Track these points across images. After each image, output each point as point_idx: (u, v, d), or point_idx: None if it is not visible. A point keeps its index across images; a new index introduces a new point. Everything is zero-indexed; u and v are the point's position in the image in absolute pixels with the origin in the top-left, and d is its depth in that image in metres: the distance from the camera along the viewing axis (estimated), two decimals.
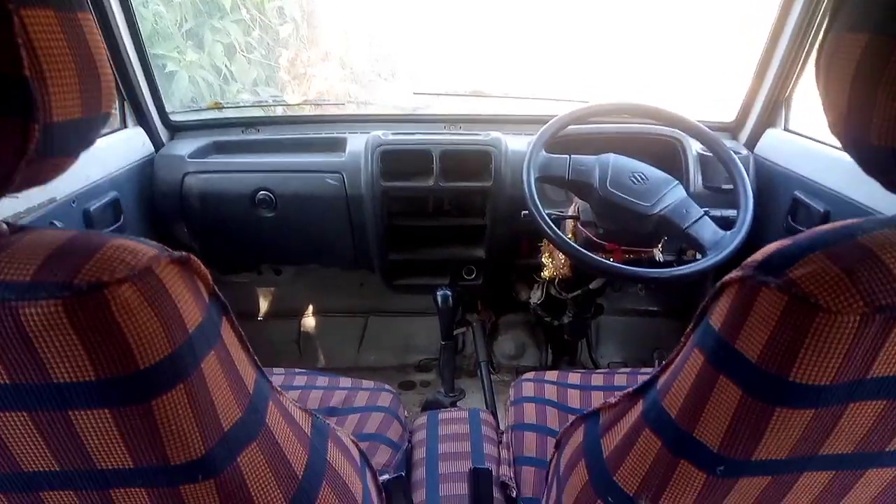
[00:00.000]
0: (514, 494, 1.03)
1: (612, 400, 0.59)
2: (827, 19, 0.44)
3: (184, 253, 0.43)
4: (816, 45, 0.47)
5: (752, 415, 0.43)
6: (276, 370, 1.32)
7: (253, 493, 0.46)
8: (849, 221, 0.44)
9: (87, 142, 0.45)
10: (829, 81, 0.43)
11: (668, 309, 2.08)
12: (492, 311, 2.01)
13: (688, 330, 0.51)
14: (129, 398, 0.39)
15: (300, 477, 0.50)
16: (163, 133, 1.70)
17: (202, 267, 0.45)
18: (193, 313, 0.42)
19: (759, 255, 0.44)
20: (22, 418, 0.40)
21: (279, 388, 0.55)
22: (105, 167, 1.43)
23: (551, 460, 0.71)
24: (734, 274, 0.44)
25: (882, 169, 0.43)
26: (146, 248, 0.40)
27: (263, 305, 2.12)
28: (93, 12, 0.44)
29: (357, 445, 0.69)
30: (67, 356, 0.37)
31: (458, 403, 1.78)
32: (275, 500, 0.48)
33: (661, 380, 0.53)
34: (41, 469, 0.43)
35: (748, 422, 0.43)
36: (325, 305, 2.14)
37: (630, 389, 0.57)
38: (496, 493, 1.03)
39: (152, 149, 1.64)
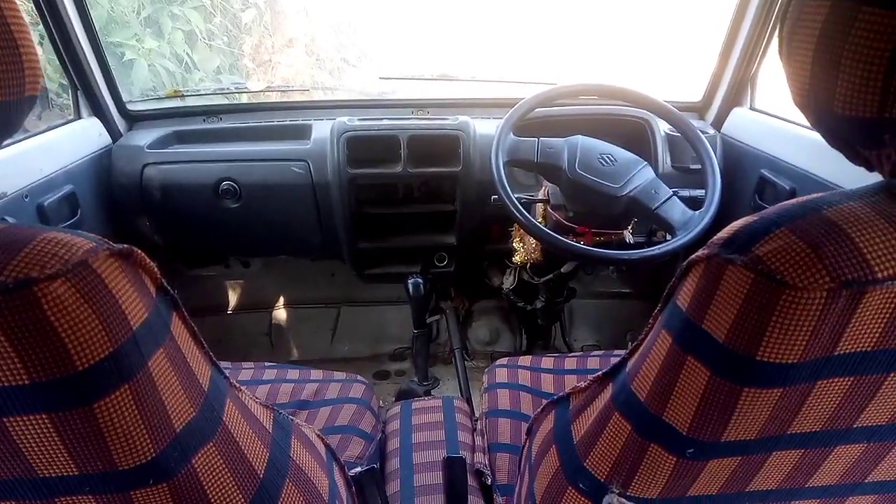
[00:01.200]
0: (488, 481, 1.02)
1: (582, 384, 0.58)
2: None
3: (125, 246, 0.40)
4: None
5: (721, 395, 0.42)
6: (245, 365, 1.29)
7: (210, 496, 0.44)
8: (815, 196, 0.43)
9: (8, 127, 0.42)
10: (791, 51, 0.42)
11: (640, 291, 2.10)
12: (465, 298, 2.00)
13: (656, 311, 0.50)
14: (68, 402, 0.37)
15: (261, 476, 0.48)
16: (120, 123, 1.64)
17: (147, 260, 0.42)
18: (137, 309, 0.39)
19: (724, 233, 0.43)
20: None
21: (239, 385, 0.52)
22: (59, 160, 1.38)
23: (524, 447, 0.70)
24: (700, 252, 0.43)
25: (846, 140, 0.42)
26: (81, 241, 0.38)
27: (233, 299, 2.08)
28: None
29: (323, 440, 0.67)
30: None
31: (432, 391, 1.77)
32: (234, 501, 0.46)
33: (630, 363, 0.52)
34: None
35: (717, 403, 0.42)
36: (296, 297, 2.11)
37: (600, 373, 0.56)
38: (471, 481, 1.02)
39: (109, 140, 1.58)
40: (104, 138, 1.57)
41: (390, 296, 2.07)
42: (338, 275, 2.05)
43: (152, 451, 0.40)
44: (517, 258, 1.46)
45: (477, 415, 1.27)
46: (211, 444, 0.44)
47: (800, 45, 0.41)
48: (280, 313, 2.12)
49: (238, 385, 0.52)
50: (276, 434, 0.53)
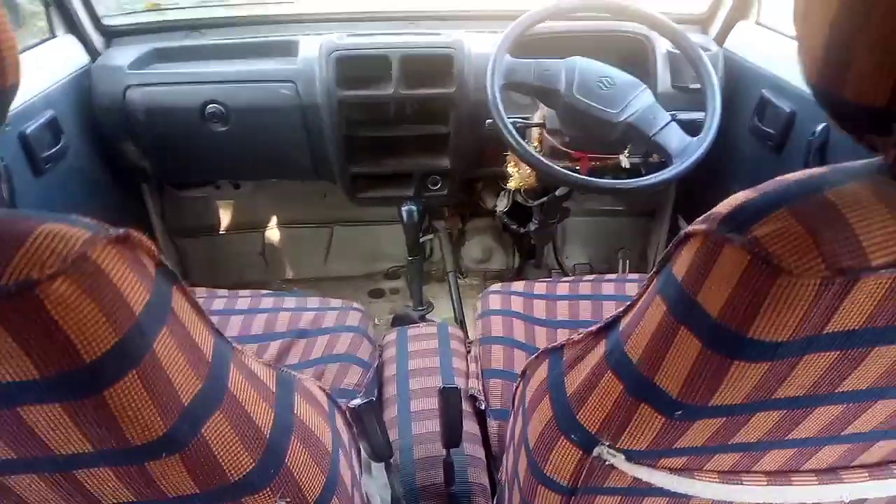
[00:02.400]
0: (482, 407, 1.07)
1: (576, 337, 0.60)
2: None
3: (122, 231, 0.39)
4: None
5: (711, 366, 0.43)
6: (241, 293, 1.30)
7: (221, 460, 0.46)
8: (817, 171, 0.42)
9: None
10: (806, 22, 0.40)
11: (631, 208, 2.10)
12: (458, 218, 2.00)
13: (650, 274, 0.50)
14: (78, 392, 0.37)
15: (267, 436, 0.50)
16: (97, 40, 1.56)
17: (145, 240, 0.41)
18: (140, 293, 0.39)
19: (724, 208, 0.42)
20: None
21: (239, 347, 0.53)
22: (36, 83, 1.33)
23: (516, 389, 0.73)
24: (698, 226, 0.43)
25: (854, 126, 0.41)
26: (79, 231, 0.37)
27: (225, 220, 2.07)
28: None
29: (325, 391, 0.69)
30: (6, 357, 0.35)
31: (427, 316, 1.81)
32: (243, 462, 0.48)
33: (624, 322, 0.52)
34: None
35: (706, 372, 0.43)
36: (289, 217, 2.10)
37: (593, 328, 0.57)
38: (465, 407, 1.07)
39: (87, 59, 1.52)
40: (82, 57, 1.50)
41: (384, 216, 2.06)
42: (330, 195, 2.03)
43: (163, 427, 0.41)
44: (512, 184, 1.45)
45: (471, 338, 1.31)
46: (218, 412, 0.45)
47: (815, 18, 0.39)
48: (273, 233, 2.12)
49: (240, 347, 0.53)
50: (280, 392, 0.55)
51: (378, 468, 0.93)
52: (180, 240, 2.00)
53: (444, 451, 0.92)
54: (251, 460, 0.48)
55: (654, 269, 0.50)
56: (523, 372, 0.70)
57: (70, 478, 0.44)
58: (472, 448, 1.00)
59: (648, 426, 0.49)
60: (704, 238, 0.42)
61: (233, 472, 0.47)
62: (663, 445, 0.51)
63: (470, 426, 1.04)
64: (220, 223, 2.07)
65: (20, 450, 0.41)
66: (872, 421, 0.50)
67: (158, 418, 0.41)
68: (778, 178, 0.43)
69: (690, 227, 0.44)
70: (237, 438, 0.47)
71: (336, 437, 0.62)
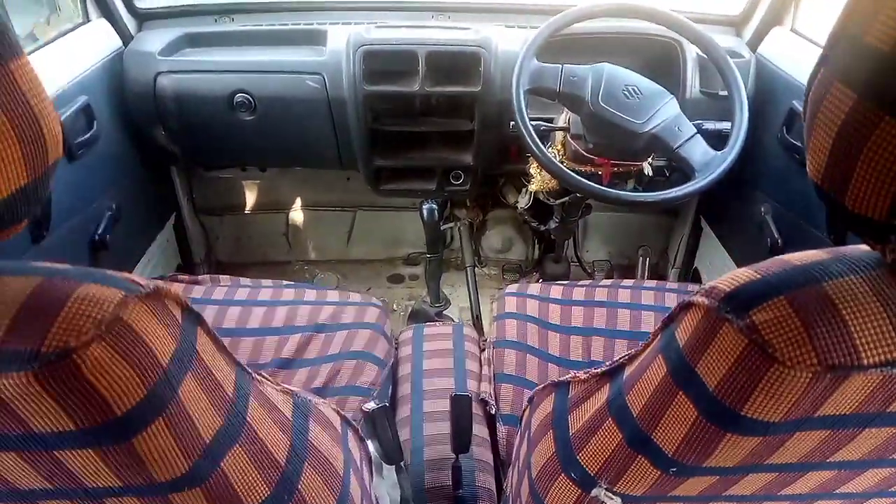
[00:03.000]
0: (493, 411, 1.10)
1: (583, 375, 0.62)
2: (820, 55, 0.40)
3: (153, 285, 0.42)
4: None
5: (706, 434, 0.45)
6: (264, 283, 1.34)
7: (238, 490, 0.49)
8: (818, 257, 0.43)
9: (37, 202, 0.42)
10: (814, 125, 0.41)
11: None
12: (479, 210, 2.01)
13: (656, 329, 0.52)
14: (110, 440, 0.40)
15: (283, 465, 0.53)
16: (130, 23, 1.58)
17: (172, 289, 0.44)
18: (167, 344, 0.42)
19: (726, 285, 0.43)
20: (11, 456, 0.42)
21: (260, 375, 0.56)
22: (71, 69, 1.35)
23: (523, 412, 0.75)
24: (702, 298, 0.44)
25: (853, 230, 0.42)
26: (112, 293, 0.40)
27: (250, 200, 2.10)
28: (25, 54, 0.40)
29: (339, 413, 0.72)
30: (45, 414, 0.38)
31: (443, 312, 1.83)
32: (259, 491, 0.51)
33: (628, 371, 0.54)
34: (35, 487, 0.45)
35: (701, 438, 0.45)
36: (313, 200, 2.13)
37: (599, 370, 0.59)
38: (476, 409, 1.10)
39: (120, 43, 1.54)
40: (114, 41, 1.52)
41: (406, 202, 2.08)
42: (353, 179, 2.05)
43: (186, 465, 0.44)
44: (533, 186, 1.46)
45: (485, 336, 1.33)
46: (237, 445, 0.49)
47: (823, 124, 0.39)
48: (297, 215, 2.15)
49: (260, 377, 0.56)
50: (296, 420, 0.58)
51: (389, 468, 0.97)
52: (207, 218, 2.05)
53: (453, 455, 0.96)
54: (267, 489, 0.51)
55: (659, 326, 0.51)
56: (531, 398, 0.73)
57: None
58: (480, 452, 1.04)
59: (645, 476, 0.52)
60: (706, 312, 0.43)
61: (249, 500, 0.51)
62: (659, 493, 0.53)
63: (480, 430, 1.07)
64: (245, 203, 2.11)
65: (55, 482, 0.45)
66: (865, 483, 0.52)
67: (182, 457, 0.44)
68: (781, 258, 0.44)
69: (694, 297, 0.45)
70: (254, 469, 0.50)
71: (347, 458, 0.65)
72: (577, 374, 0.63)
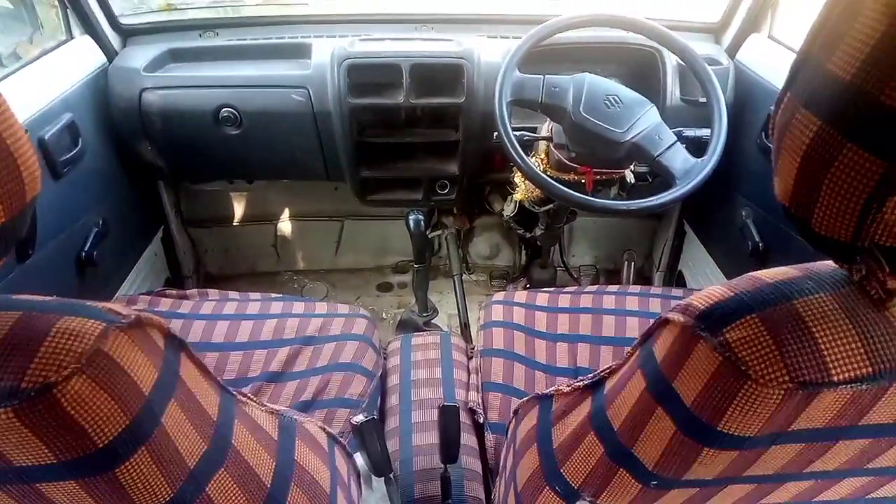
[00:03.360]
0: (481, 420, 1.11)
1: (566, 389, 0.63)
2: (786, 79, 0.42)
3: (134, 316, 0.43)
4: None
5: (684, 448, 0.46)
6: (252, 296, 1.35)
7: None
8: (789, 274, 0.45)
9: (14, 241, 0.43)
10: (781, 149, 0.42)
11: None
12: (466, 217, 2.02)
13: (635, 343, 0.53)
14: (92, 471, 0.41)
15: (268, 486, 0.54)
16: (114, 39, 1.59)
17: (154, 319, 0.45)
18: (149, 373, 0.43)
19: (701, 302, 0.45)
20: None
21: (244, 396, 0.57)
22: (55, 87, 1.36)
23: (509, 424, 0.77)
24: (677, 315, 0.46)
25: (820, 251, 0.43)
26: (93, 325, 0.40)
27: (238, 212, 2.11)
28: None
29: (325, 430, 0.73)
30: (26, 448, 0.39)
31: (431, 322, 1.84)
32: None
33: (609, 384, 0.56)
34: None
35: (680, 452, 0.47)
36: (300, 210, 2.13)
37: (580, 384, 0.61)
38: (464, 418, 1.11)
39: (104, 59, 1.54)
40: (99, 58, 1.53)
41: (393, 210, 2.09)
42: (341, 189, 2.06)
43: (169, 492, 0.45)
44: (518, 195, 1.47)
45: (472, 344, 1.35)
46: (222, 469, 0.50)
47: (789, 149, 0.41)
48: (285, 225, 2.16)
49: (244, 397, 0.57)
50: (282, 440, 0.59)
51: (378, 479, 0.98)
52: (195, 231, 2.05)
53: (442, 465, 0.97)
54: None
55: (637, 341, 0.53)
56: (516, 410, 0.74)
57: None
58: (469, 461, 1.05)
59: (626, 489, 0.53)
60: (682, 330, 0.45)
61: None
62: None
63: (468, 439, 1.08)
64: (233, 215, 2.11)
65: None
66: (842, 492, 0.54)
67: (166, 485, 0.45)
68: (753, 274, 0.46)
69: (670, 314, 0.47)
70: (240, 492, 0.51)
71: (334, 476, 0.66)
72: (560, 388, 0.64)
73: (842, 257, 0.43)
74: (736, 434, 0.43)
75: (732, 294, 0.44)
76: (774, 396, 0.40)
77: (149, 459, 0.43)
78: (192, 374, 0.49)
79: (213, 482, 0.49)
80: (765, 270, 0.46)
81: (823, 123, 0.37)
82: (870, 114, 0.35)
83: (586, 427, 0.56)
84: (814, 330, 0.41)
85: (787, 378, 0.40)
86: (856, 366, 0.40)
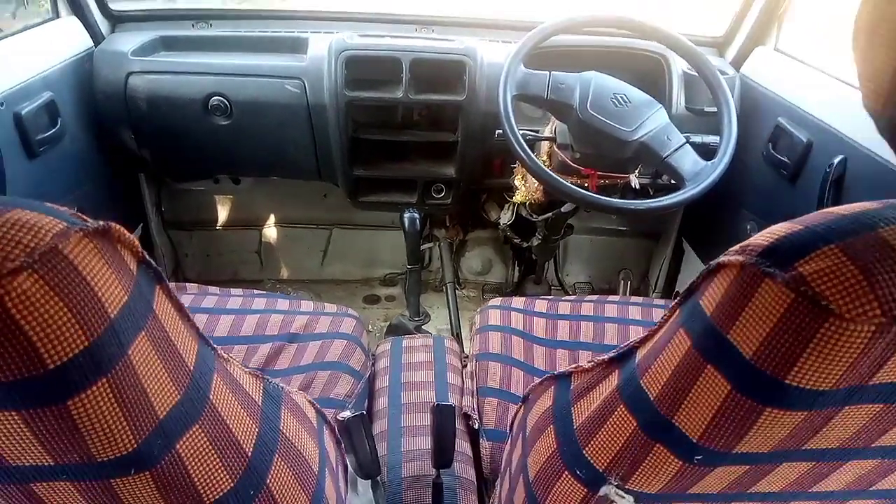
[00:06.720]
0: (476, 426, 1.03)
1: (586, 364, 0.56)
2: None
3: (101, 223, 0.35)
4: None
5: (740, 411, 0.39)
6: (234, 291, 1.26)
7: (195, 479, 0.42)
8: (867, 206, 0.38)
9: None
10: (870, 48, 0.36)
11: (636, 229, 2.07)
12: (460, 228, 1.96)
13: (673, 304, 0.46)
14: (39, 400, 0.33)
15: (249, 454, 0.46)
16: (102, 24, 1.53)
17: (126, 234, 0.38)
18: (117, 293, 0.35)
19: (763, 239, 0.38)
20: None
21: (225, 354, 0.49)
22: (36, 64, 1.29)
23: (516, 413, 0.69)
24: (733, 257, 0.39)
25: None
26: (51, 222, 0.33)
27: (222, 214, 2.03)
28: None
29: (314, 405, 0.65)
30: None
31: (423, 327, 1.77)
32: (221, 482, 0.44)
33: (640, 354, 0.49)
34: None
35: (734, 418, 0.40)
36: (287, 216, 2.06)
37: (606, 357, 0.54)
38: (459, 425, 1.03)
39: (90, 43, 1.48)
40: (85, 41, 1.46)
41: (384, 220, 2.02)
42: (330, 196, 2.00)
43: (133, 442, 0.37)
44: (518, 197, 1.42)
45: (467, 352, 1.27)
46: (196, 426, 0.42)
47: (883, 45, 0.35)
48: (270, 231, 2.08)
49: (226, 355, 0.49)
50: (266, 406, 0.51)
51: (364, 484, 0.89)
52: (175, 232, 1.96)
53: (433, 471, 0.88)
54: (230, 480, 0.44)
55: (677, 300, 0.46)
56: (525, 396, 0.67)
57: (27, 490, 0.40)
58: (462, 469, 0.96)
59: (663, 468, 0.46)
60: (740, 270, 0.38)
61: (208, 492, 0.43)
62: (677, 490, 0.47)
63: (462, 446, 1.00)
64: (216, 218, 2.03)
65: None
66: None
67: (129, 432, 0.37)
68: (823, 210, 0.40)
69: (724, 258, 0.40)
70: (215, 455, 0.43)
71: (323, 456, 0.58)
72: (581, 364, 0.57)
73: None
74: (808, 387, 0.36)
75: (801, 227, 0.38)
76: (863, 334, 0.33)
77: (110, 396, 0.35)
78: (169, 312, 0.41)
79: (184, 439, 0.41)
80: (834, 207, 0.40)
81: None
82: None
83: (615, 401, 0.49)
84: None
85: (878, 312, 0.33)
86: None
